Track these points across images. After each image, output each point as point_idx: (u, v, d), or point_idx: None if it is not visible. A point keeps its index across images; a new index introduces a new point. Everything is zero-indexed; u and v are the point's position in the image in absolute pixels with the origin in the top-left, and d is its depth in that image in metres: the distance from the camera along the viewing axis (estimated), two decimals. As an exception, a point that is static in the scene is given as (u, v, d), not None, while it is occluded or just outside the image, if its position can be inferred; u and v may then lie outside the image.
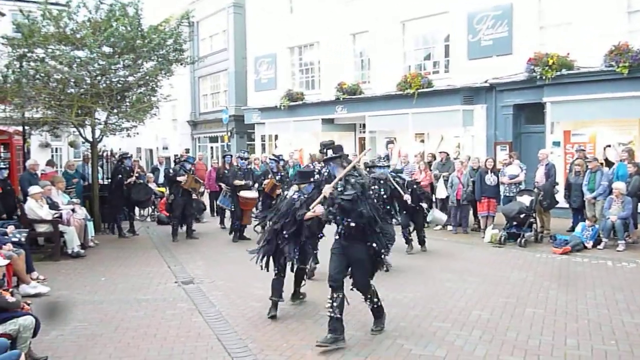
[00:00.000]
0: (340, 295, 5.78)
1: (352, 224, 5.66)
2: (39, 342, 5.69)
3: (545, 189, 11.83)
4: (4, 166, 11.44)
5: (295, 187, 7.01)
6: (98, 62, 12.16)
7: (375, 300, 6.13)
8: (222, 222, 14.70)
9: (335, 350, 5.63)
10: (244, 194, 12.38)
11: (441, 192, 13.30)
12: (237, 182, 12.55)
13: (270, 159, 14.66)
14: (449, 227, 13.17)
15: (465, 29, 16.41)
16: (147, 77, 13.19)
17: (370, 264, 5.99)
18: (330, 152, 6.52)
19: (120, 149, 14.86)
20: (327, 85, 20.60)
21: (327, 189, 5.84)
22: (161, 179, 16.50)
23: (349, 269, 5.94)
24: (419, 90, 16.95)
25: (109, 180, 13.79)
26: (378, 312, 6.22)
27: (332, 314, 5.73)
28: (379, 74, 18.96)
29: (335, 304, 5.73)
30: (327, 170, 7.20)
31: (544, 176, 12.12)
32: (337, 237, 5.97)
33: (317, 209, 6.17)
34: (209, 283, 8.64)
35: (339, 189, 5.71)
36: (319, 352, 5.63)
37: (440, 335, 6.08)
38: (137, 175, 13.29)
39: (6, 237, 8.42)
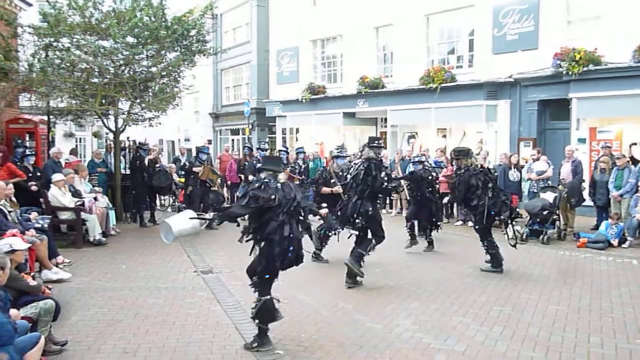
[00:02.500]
0: None
1: None
2: (59, 327, 5.76)
3: (573, 186, 11.63)
4: (29, 153, 11.59)
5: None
6: (122, 52, 12.25)
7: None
8: (242, 213, 14.68)
9: (352, 344, 5.59)
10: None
11: None
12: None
13: (280, 150, 14.69)
14: (470, 223, 13.01)
15: (490, 23, 16.18)
16: (170, 68, 13.24)
17: None
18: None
19: (138, 140, 14.93)
20: (349, 79, 20.49)
21: None
22: (181, 171, 16.61)
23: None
24: (442, 85, 16.76)
25: (131, 170, 13.90)
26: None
27: None
28: (401, 67, 18.80)
29: None
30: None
31: (571, 173, 11.93)
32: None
33: None
34: (228, 273, 8.65)
35: None
36: (336, 343, 5.60)
37: (460, 330, 6.00)
38: (156, 161, 13.43)
39: (29, 223, 8.54)
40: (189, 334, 5.91)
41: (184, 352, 5.40)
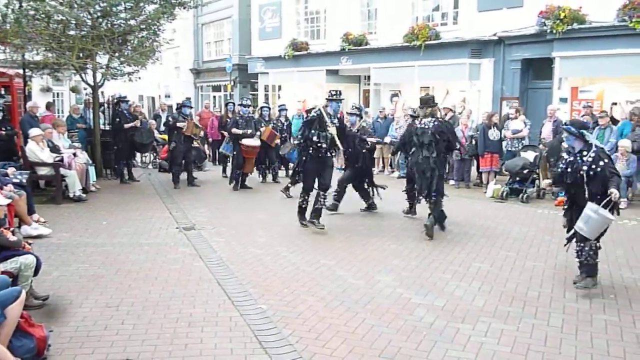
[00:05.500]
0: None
1: None
2: (40, 282, 5.74)
3: (553, 146, 11.72)
4: None
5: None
6: (99, 4, 11.94)
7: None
8: (224, 170, 14.67)
9: (334, 299, 5.67)
10: (246, 142, 12.30)
11: None
12: (235, 131, 12.43)
13: (262, 107, 14.59)
14: (451, 182, 13.14)
15: (476, -20, 15.96)
16: (149, 21, 12.91)
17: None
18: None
19: (119, 94, 14.65)
20: (333, 36, 20.19)
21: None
22: (163, 127, 16.40)
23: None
24: (426, 43, 16.60)
25: (110, 126, 13.69)
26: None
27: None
28: (385, 25, 18.55)
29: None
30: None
31: (552, 132, 12.01)
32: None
33: None
34: (210, 229, 8.67)
35: None
36: (318, 298, 5.67)
37: (440, 285, 6.11)
38: (139, 120, 13.22)
39: (7, 178, 8.40)
40: (172, 288, 5.93)
41: (166, 306, 5.42)
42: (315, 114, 8.59)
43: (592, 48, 13.29)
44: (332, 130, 8.49)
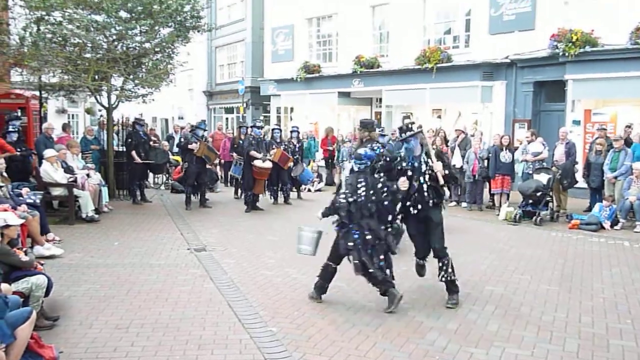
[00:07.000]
0: (448, 259, 6.15)
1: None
2: (51, 302, 5.73)
3: (566, 168, 11.66)
4: (12, 129, 11.36)
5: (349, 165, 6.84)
6: (115, 27, 12.07)
7: (450, 271, 6.18)
8: (236, 192, 14.71)
9: (346, 321, 5.61)
10: (257, 163, 12.33)
11: (456, 160, 13.03)
12: (254, 154, 12.46)
13: (273, 129, 14.64)
14: (463, 204, 13.06)
15: (487, 3, 16.04)
16: (164, 44, 13.07)
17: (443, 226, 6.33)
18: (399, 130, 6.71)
19: (134, 117, 14.80)
20: (345, 58, 20.33)
21: (439, 166, 6.09)
22: (176, 148, 16.51)
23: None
24: (438, 65, 16.66)
25: (124, 147, 13.80)
26: (452, 284, 6.24)
27: (449, 277, 6.12)
28: (397, 47, 18.67)
29: (449, 269, 6.12)
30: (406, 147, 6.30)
31: (564, 155, 11.95)
32: (414, 212, 6.20)
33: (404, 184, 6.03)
34: (221, 251, 8.65)
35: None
36: (329, 321, 5.61)
37: (452, 308, 6.03)
38: (154, 140, 13.33)
39: (21, 198, 8.48)
40: (182, 310, 5.90)
41: (176, 327, 5.40)
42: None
43: (604, 71, 13.30)
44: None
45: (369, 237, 5.84)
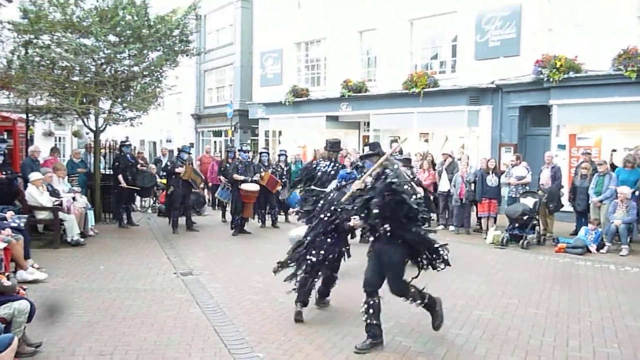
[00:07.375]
0: (376, 300, 5.51)
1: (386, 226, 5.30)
2: (34, 328, 5.63)
3: (552, 192, 11.74)
4: None
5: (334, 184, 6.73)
6: (104, 51, 12.10)
7: (421, 299, 5.68)
8: (223, 215, 14.65)
9: (333, 346, 5.56)
10: (245, 186, 12.33)
11: (444, 186, 13.12)
12: (237, 177, 12.51)
13: (261, 152, 14.71)
14: (451, 227, 13.09)
15: (473, 29, 16.30)
16: (153, 67, 13.13)
17: (403, 267, 5.60)
18: (367, 149, 6.05)
19: (120, 140, 14.79)
20: (333, 82, 20.50)
21: (356, 185, 5.51)
22: (162, 172, 16.47)
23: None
24: (425, 90, 16.83)
25: (111, 170, 13.75)
26: (430, 308, 5.75)
27: (369, 320, 5.47)
28: (385, 72, 18.86)
29: (371, 310, 5.47)
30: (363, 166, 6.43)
31: (550, 179, 12.04)
32: (372, 239, 5.65)
33: (355, 222, 5.83)
34: (207, 275, 8.58)
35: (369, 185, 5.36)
36: (317, 346, 5.56)
37: (441, 333, 5.98)
38: (141, 163, 13.30)
39: (5, 222, 8.37)
40: (167, 336, 5.83)
41: (161, 354, 5.32)
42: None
43: (588, 96, 13.50)
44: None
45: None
